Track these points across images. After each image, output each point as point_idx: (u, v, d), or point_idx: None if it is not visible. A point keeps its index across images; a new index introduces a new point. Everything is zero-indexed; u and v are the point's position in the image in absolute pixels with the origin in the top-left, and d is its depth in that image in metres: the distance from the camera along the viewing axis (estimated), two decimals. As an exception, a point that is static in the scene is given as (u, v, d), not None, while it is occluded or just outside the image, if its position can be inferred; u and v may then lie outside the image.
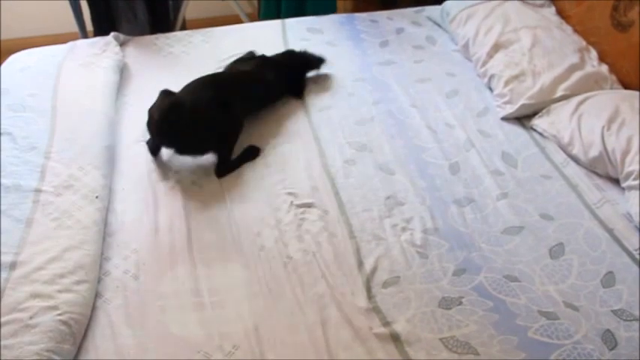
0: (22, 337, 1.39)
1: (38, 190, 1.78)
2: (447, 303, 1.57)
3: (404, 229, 1.78)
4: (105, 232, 1.76)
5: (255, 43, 2.61)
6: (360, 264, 1.68)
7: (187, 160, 2.00)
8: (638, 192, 1.78)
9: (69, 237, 1.65)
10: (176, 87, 2.33)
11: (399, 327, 1.50)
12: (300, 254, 1.70)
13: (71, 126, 2.03)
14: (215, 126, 1.95)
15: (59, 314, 1.45)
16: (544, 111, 2.16)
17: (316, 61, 2.41)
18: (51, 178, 1.83)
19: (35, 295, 1.48)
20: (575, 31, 2.43)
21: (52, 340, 1.39)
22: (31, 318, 1.43)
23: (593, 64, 2.26)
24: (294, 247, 1.73)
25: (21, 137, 1.96)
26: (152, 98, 2.28)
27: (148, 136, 2.04)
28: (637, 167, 1.80)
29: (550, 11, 2.55)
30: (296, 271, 1.66)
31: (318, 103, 2.28)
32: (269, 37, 2.65)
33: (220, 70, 2.33)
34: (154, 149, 2.02)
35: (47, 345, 1.38)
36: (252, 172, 1.97)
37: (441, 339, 1.48)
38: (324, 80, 2.39)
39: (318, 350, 1.46)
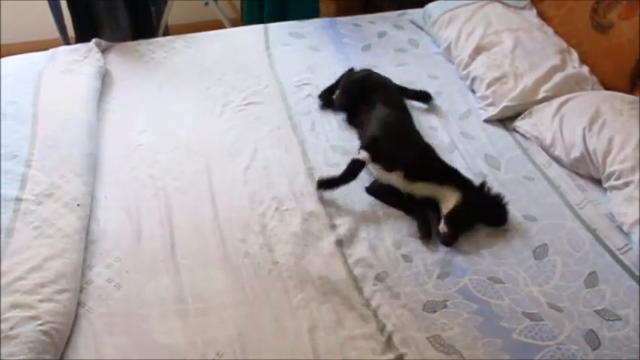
0: (3, 348, 1.37)
1: (19, 199, 1.75)
2: (431, 306, 1.57)
3: (389, 232, 1.78)
4: (87, 241, 1.74)
5: (237, 48, 2.61)
6: (346, 268, 1.67)
7: (168, 167, 1.99)
8: (620, 192, 1.80)
9: (50, 246, 1.63)
10: (158, 94, 2.34)
11: (389, 327, 1.50)
12: (285, 259, 1.70)
13: (52, 134, 2.01)
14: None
15: (40, 324, 1.43)
16: (526, 113, 2.17)
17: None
18: (32, 186, 1.80)
19: (16, 306, 1.46)
20: (556, 32, 2.45)
21: (33, 351, 1.38)
22: (11, 329, 1.41)
23: (574, 66, 2.28)
24: (279, 252, 1.72)
25: (1, 145, 1.94)
26: (134, 105, 2.28)
27: None
28: (618, 167, 1.81)
29: (531, 13, 2.57)
30: (281, 277, 1.65)
31: (301, 107, 2.28)
32: (251, 42, 2.65)
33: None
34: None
35: (28, 356, 1.36)
36: (235, 177, 1.96)
37: (428, 338, 1.48)
38: (307, 85, 2.38)
39: (306, 355, 1.46)
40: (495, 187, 1.92)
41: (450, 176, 1.86)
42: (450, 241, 1.74)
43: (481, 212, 1.80)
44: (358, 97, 2.17)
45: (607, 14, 2.22)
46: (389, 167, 1.86)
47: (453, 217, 1.77)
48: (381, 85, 2.24)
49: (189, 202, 1.88)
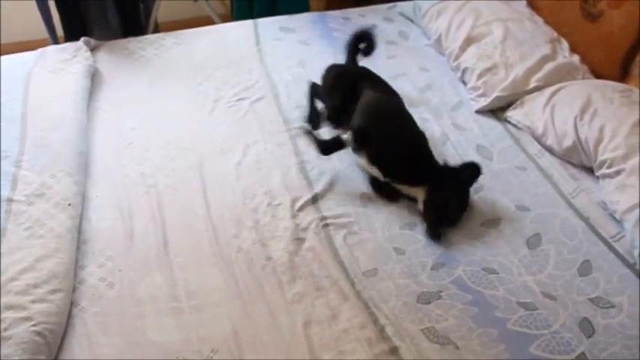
0: (-3, 349, 1.37)
1: (10, 200, 1.75)
2: (426, 297, 1.57)
3: (381, 225, 1.78)
4: (79, 240, 1.73)
5: (227, 43, 2.60)
6: (339, 260, 1.67)
7: (160, 164, 1.98)
8: (612, 180, 1.80)
9: (42, 246, 1.63)
10: (148, 91, 2.33)
11: (383, 320, 1.50)
12: (279, 254, 1.69)
13: (42, 133, 2.00)
14: None
15: (33, 325, 1.42)
16: (518, 102, 2.17)
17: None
18: (22, 186, 1.79)
19: (9, 307, 1.46)
20: (546, 22, 2.44)
21: (27, 352, 1.37)
22: (5, 330, 1.41)
23: (565, 55, 2.27)
24: (272, 247, 1.71)
25: (-3, 147, 1.93)
26: (124, 103, 2.27)
27: None
28: (610, 155, 1.81)
29: (521, 3, 2.56)
30: (275, 272, 1.65)
31: (292, 101, 2.27)
32: (241, 37, 2.64)
33: None
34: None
35: (21, 357, 1.35)
36: (227, 173, 1.96)
37: (422, 330, 1.48)
38: (298, 80, 2.37)
39: (301, 350, 1.45)
40: (488, 178, 1.92)
41: (423, 175, 1.83)
42: (433, 236, 1.74)
43: (453, 196, 1.79)
44: (349, 90, 2.15)
45: (597, 3, 2.21)
46: (370, 161, 1.87)
47: (426, 214, 1.78)
48: (364, 74, 2.20)
49: (181, 199, 1.87)
